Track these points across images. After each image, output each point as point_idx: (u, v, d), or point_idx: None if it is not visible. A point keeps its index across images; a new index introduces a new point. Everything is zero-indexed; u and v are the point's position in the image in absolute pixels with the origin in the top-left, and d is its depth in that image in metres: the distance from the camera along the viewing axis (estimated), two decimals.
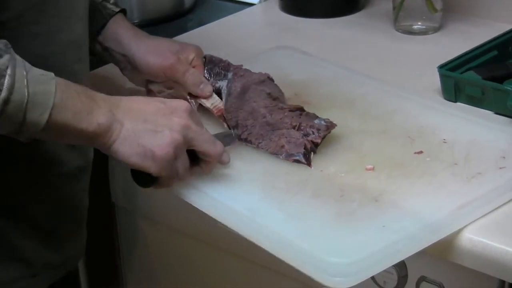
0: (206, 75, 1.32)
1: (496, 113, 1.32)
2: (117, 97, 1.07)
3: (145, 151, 1.03)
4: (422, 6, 1.61)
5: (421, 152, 1.20)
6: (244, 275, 1.34)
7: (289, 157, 1.19)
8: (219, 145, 1.12)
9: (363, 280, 0.99)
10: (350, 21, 1.73)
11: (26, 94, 0.94)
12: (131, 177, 1.09)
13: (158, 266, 1.49)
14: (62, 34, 1.11)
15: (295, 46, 1.55)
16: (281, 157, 1.20)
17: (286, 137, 1.20)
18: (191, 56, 1.30)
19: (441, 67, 1.38)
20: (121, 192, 1.47)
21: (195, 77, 1.28)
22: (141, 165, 1.04)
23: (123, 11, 1.33)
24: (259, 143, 1.22)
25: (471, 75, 1.36)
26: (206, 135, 1.11)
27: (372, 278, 1.15)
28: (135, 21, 1.73)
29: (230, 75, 1.31)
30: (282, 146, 1.20)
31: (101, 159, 1.29)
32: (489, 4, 1.66)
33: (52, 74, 0.98)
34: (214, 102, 1.30)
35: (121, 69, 1.33)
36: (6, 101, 0.93)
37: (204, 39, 1.63)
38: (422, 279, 1.13)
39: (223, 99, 1.29)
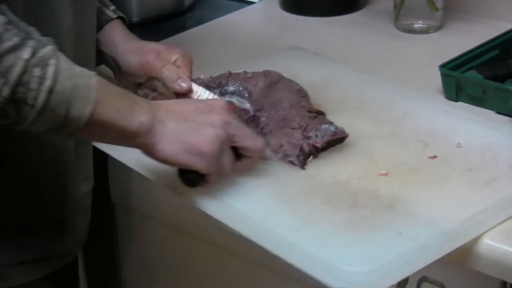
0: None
1: (498, 113, 1.32)
2: (155, 100, 1.07)
3: (191, 148, 1.03)
4: (423, 4, 1.61)
5: (435, 156, 1.19)
6: (243, 274, 1.34)
7: (285, 158, 1.18)
8: (260, 140, 1.11)
9: None
10: (351, 20, 1.73)
11: (70, 85, 0.94)
12: (178, 177, 1.08)
13: (156, 264, 1.49)
14: (68, 19, 1.11)
15: (297, 45, 1.54)
16: (279, 156, 1.19)
17: (288, 137, 1.19)
18: (174, 56, 1.28)
19: (442, 66, 1.38)
20: (120, 190, 1.47)
21: (172, 72, 1.25)
22: (188, 163, 1.04)
23: (121, 19, 1.32)
24: (269, 139, 1.21)
25: (473, 74, 1.36)
26: (247, 131, 1.11)
27: None
28: (135, 19, 1.73)
29: (231, 87, 1.30)
30: (281, 146, 1.19)
31: (100, 158, 1.29)
32: (490, 3, 1.65)
33: (92, 72, 0.98)
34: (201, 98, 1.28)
35: (113, 73, 1.33)
36: (51, 90, 0.92)
37: (203, 37, 1.64)
38: (423, 279, 1.12)
39: (246, 102, 1.28)
